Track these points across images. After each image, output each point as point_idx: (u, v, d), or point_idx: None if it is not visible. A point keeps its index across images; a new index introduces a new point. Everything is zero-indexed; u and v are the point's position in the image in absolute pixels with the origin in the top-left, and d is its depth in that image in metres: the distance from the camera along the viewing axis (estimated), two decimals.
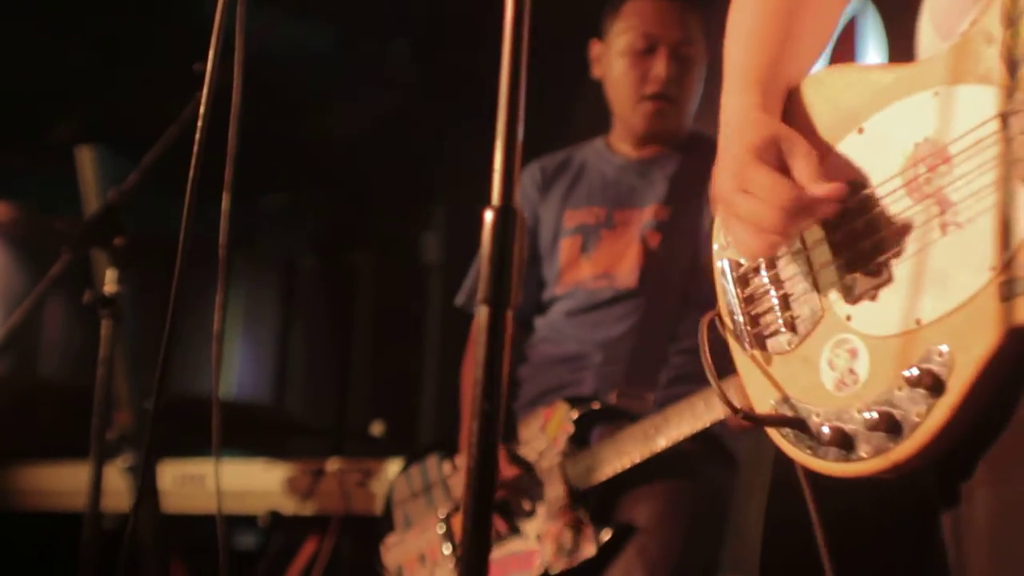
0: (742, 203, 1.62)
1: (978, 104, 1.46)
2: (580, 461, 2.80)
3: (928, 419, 1.47)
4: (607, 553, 2.76)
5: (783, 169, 1.62)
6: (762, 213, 1.59)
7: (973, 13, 1.50)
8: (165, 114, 2.80)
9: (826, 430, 1.60)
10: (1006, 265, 1.42)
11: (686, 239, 2.93)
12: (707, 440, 2.76)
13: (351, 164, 8.50)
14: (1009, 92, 1.44)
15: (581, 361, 2.95)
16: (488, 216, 1.23)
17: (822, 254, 1.66)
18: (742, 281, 1.77)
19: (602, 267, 2.97)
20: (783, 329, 1.70)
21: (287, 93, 7.31)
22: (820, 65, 6.03)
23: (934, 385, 1.46)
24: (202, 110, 2.53)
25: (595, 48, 3.12)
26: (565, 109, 5.17)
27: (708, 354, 1.72)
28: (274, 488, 4.64)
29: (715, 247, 1.84)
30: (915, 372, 1.49)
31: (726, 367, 1.76)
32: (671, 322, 2.88)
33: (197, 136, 2.50)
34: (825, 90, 1.75)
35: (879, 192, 1.59)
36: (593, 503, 2.79)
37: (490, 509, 1.26)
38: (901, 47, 5.24)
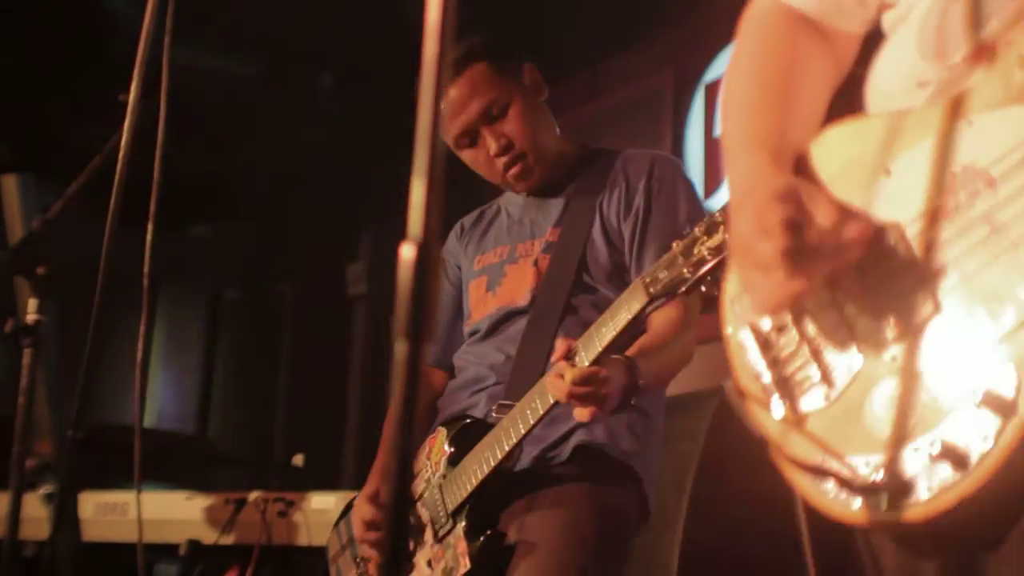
0: (764, 248, 1.57)
1: (1019, 123, 1.46)
2: (454, 480, 2.84)
3: (1000, 441, 1.41)
4: (502, 571, 2.77)
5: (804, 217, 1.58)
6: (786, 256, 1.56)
7: (1002, 33, 1.50)
8: (92, 143, 2.81)
9: (880, 477, 1.52)
10: None
11: (573, 252, 2.97)
12: (607, 460, 2.81)
13: (276, 195, 8.50)
14: None
15: (478, 384, 3.00)
16: (405, 250, 1.24)
17: (855, 301, 1.62)
18: (765, 346, 1.72)
19: (506, 299, 3.02)
20: (818, 384, 1.64)
21: (212, 125, 7.31)
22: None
23: (1003, 407, 1.41)
24: (124, 140, 2.55)
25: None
26: None
27: None
28: (195, 517, 4.63)
29: (730, 319, 1.78)
30: (979, 396, 1.43)
31: None
32: (551, 335, 2.90)
33: (119, 166, 2.52)
34: (836, 146, 1.72)
35: (916, 227, 1.56)
36: (472, 517, 2.82)
37: (403, 545, 1.28)
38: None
